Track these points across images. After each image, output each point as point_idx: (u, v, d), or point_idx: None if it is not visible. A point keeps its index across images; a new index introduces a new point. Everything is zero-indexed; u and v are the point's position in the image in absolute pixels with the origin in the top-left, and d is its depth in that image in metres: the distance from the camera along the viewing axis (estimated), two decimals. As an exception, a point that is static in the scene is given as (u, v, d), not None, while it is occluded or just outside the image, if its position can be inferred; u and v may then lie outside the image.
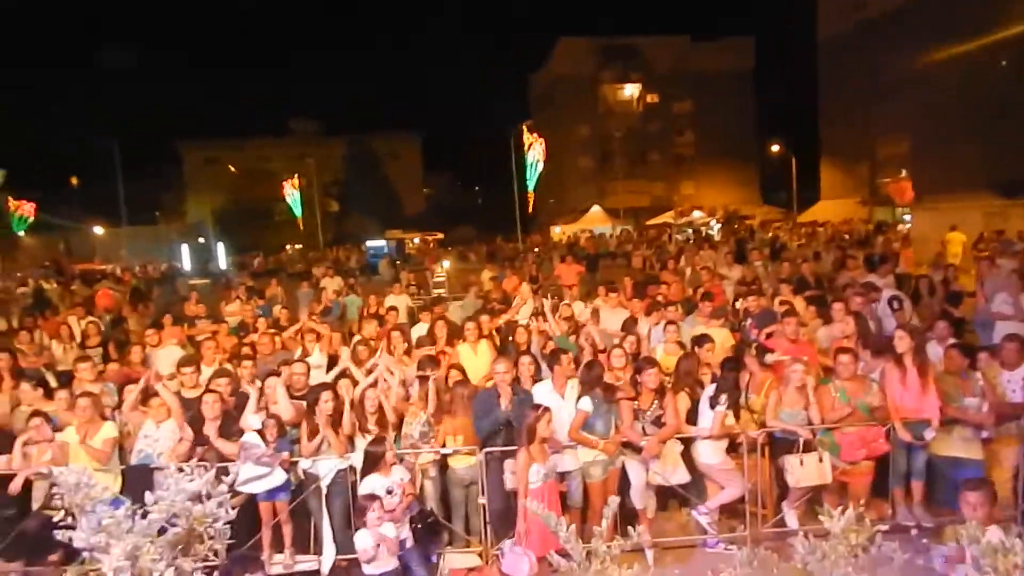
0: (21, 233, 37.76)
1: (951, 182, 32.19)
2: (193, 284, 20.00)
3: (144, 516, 2.88)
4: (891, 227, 27.31)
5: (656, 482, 5.59)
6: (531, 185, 37.13)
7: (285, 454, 5.48)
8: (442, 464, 5.80)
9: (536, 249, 29.34)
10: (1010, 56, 33.07)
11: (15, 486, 5.56)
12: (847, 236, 23.84)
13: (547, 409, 4.89)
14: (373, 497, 4.54)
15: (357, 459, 5.50)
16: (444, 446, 5.72)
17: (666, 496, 6.03)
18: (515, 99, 62.92)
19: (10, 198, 35.73)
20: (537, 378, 6.05)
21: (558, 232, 43.83)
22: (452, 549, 5.69)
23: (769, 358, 5.84)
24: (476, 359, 7.34)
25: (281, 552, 5.72)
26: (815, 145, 49.92)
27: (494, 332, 8.50)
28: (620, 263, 25.54)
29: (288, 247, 44.33)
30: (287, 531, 5.70)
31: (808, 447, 5.38)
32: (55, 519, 3.13)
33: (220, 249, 34.27)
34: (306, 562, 5.66)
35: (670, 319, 7.79)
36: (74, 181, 39.33)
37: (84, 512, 3.31)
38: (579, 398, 5.46)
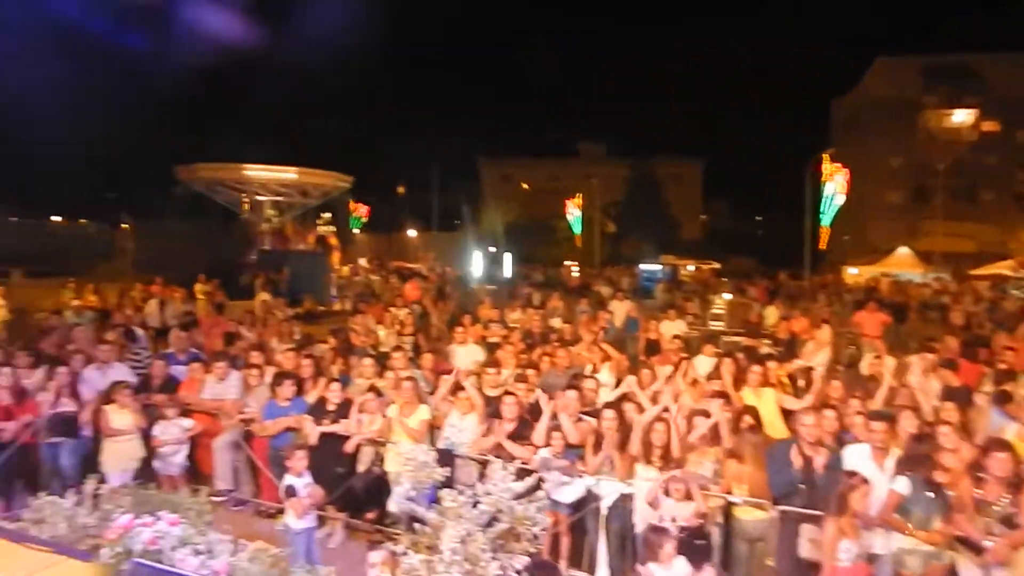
0: (356, 231, 45.43)
1: None
2: (484, 289, 22.07)
3: (475, 506, 3.19)
4: None
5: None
6: (826, 219, 34.00)
7: (582, 469, 5.68)
8: (726, 513, 5.52)
9: (826, 290, 26.62)
10: None
11: (351, 446, 6.60)
12: None
13: (865, 480, 4.36)
14: (662, 530, 4.47)
15: (639, 488, 5.49)
16: (730, 492, 5.44)
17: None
18: (812, 125, 58.14)
19: (351, 200, 42.83)
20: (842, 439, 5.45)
21: (854, 273, 39.34)
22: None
23: None
24: (760, 406, 6.86)
25: (556, 563, 5.94)
26: None
27: (783, 379, 7.88)
28: (933, 317, 21.96)
29: (566, 263, 46.59)
30: (564, 543, 5.90)
31: None
32: (401, 491, 3.64)
33: (507, 259, 37.31)
34: (579, 578, 5.81)
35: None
36: (401, 190, 46.39)
37: (420, 488, 3.79)
38: (896, 474, 4.77)
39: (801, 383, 7.49)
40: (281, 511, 6.41)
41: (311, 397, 7.07)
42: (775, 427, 6.52)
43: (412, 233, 43.90)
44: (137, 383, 7.51)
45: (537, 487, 3.38)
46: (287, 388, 6.96)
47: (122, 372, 7.57)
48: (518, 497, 3.26)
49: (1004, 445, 4.75)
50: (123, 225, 30.09)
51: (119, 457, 6.60)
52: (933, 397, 7.19)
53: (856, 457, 5.04)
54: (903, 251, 39.65)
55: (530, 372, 7.75)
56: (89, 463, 6.49)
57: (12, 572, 3.14)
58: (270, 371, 7.56)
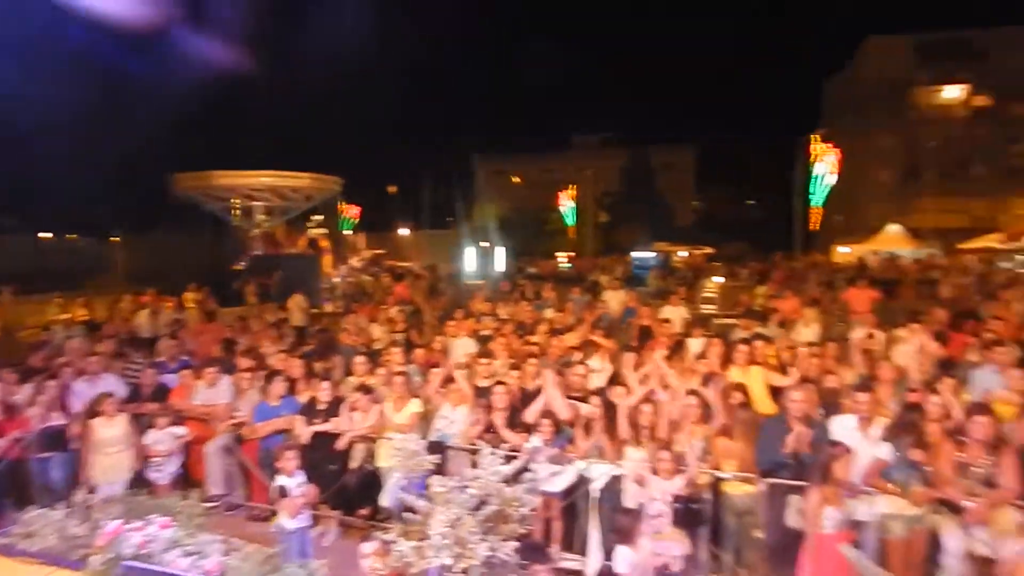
0: (347, 232, 45.38)
1: None
2: (478, 284, 22.09)
3: (463, 490, 3.22)
4: None
5: (981, 553, 4.68)
6: (817, 200, 34.11)
7: (573, 455, 5.73)
8: (715, 488, 5.57)
9: (817, 269, 26.71)
10: None
11: (342, 443, 6.62)
12: None
13: (848, 449, 4.41)
14: (632, 513, 4.53)
15: (627, 468, 5.54)
16: (719, 469, 5.50)
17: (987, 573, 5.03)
18: (803, 107, 58.00)
19: (342, 202, 42.75)
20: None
21: (845, 252, 39.46)
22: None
23: None
24: (748, 384, 6.90)
25: (548, 547, 5.98)
26: None
27: (770, 357, 7.92)
28: (923, 292, 22.06)
29: (557, 255, 46.70)
30: (556, 527, 5.94)
31: None
32: (393, 483, 3.67)
33: (499, 254, 37.29)
34: (571, 561, 5.84)
35: (1004, 361, 6.50)
36: (391, 190, 46.38)
37: (412, 478, 3.82)
38: (880, 442, 4.84)
39: (788, 360, 7.53)
40: (275, 513, 6.45)
41: (303, 397, 7.09)
42: (763, 404, 6.57)
43: (404, 232, 43.86)
44: (128, 393, 7.51)
45: (525, 468, 3.41)
46: (278, 386, 6.98)
47: (111, 383, 7.54)
48: (507, 479, 3.30)
49: (985, 409, 4.82)
50: (112, 238, 29.98)
51: (108, 469, 6.51)
52: (922, 367, 7.27)
53: (841, 427, 5.10)
54: (893, 228, 39.70)
55: (532, 361, 7.72)
56: (79, 475, 6.49)
57: (2, 585, 3.17)
58: (262, 375, 7.56)
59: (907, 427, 4.74)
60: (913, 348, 8.24)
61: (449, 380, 6.85)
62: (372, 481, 6.50)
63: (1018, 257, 30.31)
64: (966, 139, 49.70)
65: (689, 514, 4.90)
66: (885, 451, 4.71)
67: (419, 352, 8.52)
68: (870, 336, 9.43)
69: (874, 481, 4.69)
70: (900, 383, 6.45)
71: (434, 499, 3.11)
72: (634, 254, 37.24)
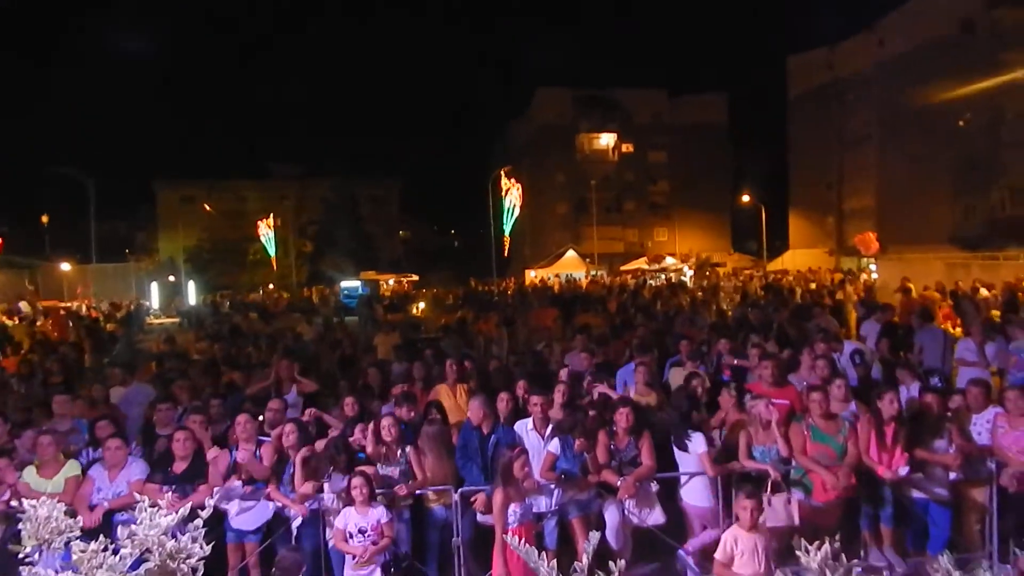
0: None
1: (914, 235, 33.38)
2: (161, 323, 19.73)
3: (115, 552, 2.80)
4: (856, 277, 28.04)
5: (632, 523, 5.56)
6: (507, 229, 37.58)
7: (267, 490, 5.41)
8: (416, 505, 5.72)
9: (510, 292, 29.42)
10: (972, 115, 34.52)
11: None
12: (813, 285, 24.33)
13: (523, 450, 4.89)
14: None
15: (326, 500, 5.41)
16: (422, 487, 5.65)
17: (642, 539, 5.99)
18: (498, 145, 63.63)
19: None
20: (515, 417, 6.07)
21: (532, 276, 44.09)
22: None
23: (748, 399, 5.90)
24: (454, 401, 7.28)
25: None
26: (785, 197, 51.52)
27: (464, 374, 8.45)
28: (595, 306, 25.69)
29: (262, 288, 43.95)
30: (255, 575, 5.55)
31: (776, 488, 5.39)
32: (20, 554, 3.02)
33: (191, 288, 33.83)
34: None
35: (642, 361, 7.86)
36: (44, 219, 38.89)
37: (51, 548, 3.21)
38: (550, 439, 5.49)
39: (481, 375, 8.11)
40: None
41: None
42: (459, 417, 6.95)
43: (66, 267, 37.13)
44: None
45: (193, 517, 3.10)
46: None
47: None
48: (171, 531, 2.97)
49: (627, 402, 5.76)
50: None
51: None
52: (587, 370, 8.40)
53: (521, 429, 5.65)
54: (570, 254, 45.72)
55: (215, 403, 7.16)
56: None
57: None
58: None
59: (572, 424, 5.44)
60: (580, 354, 9.49)
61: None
62: (14, 563, 5.30)
63: (660, 276, 37.18)
64: (618, 179, 59.62)
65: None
66: (553, 446, 5.34)
67: (79, 404, 7.30)
68: (548, 347, 10.71)
69: (547, 473, 5.28)
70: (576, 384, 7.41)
71: (78, 567, 2.68)
72: (343, 284, 36.97)
